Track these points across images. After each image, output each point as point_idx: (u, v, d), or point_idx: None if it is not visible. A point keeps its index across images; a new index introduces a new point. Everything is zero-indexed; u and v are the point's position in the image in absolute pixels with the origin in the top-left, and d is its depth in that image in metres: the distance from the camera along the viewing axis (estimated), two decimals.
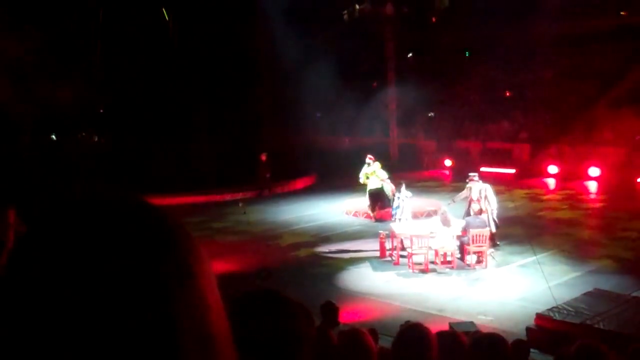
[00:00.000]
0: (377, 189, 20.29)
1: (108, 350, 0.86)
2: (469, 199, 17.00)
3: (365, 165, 20.63)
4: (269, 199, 24.80)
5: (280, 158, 28.92)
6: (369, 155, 20.78)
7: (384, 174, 20.39)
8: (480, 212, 16.25)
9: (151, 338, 0.88)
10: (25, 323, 0.87)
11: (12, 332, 0.87)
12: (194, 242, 0.98)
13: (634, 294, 12.76)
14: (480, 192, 16.80)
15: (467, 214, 16.63)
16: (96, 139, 28.42)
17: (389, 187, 19.92)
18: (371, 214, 20.72)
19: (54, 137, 28.52)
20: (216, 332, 0.96)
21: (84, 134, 28.37)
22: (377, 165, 20.56)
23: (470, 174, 17.61)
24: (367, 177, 20.42)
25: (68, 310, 0.86)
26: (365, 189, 20.66)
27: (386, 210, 19.86)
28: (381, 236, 16.78)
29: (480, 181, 17.18)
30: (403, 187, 17.99)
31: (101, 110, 27.42)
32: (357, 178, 21.04)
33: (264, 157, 25.72)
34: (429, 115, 35.73)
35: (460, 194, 17.53)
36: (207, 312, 0.95)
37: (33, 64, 25.17)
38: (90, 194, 0.98)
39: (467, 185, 17.30)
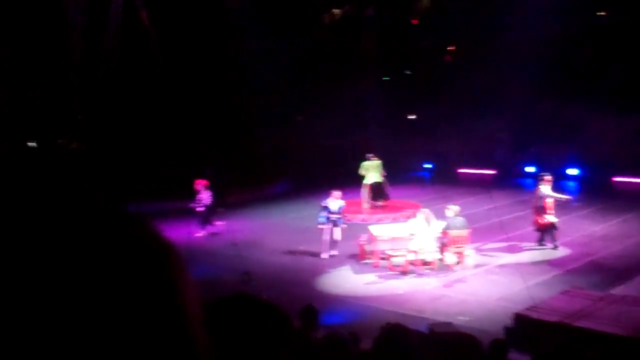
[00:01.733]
0: (377, 182, 22.17)
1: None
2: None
3: (365, 161, 22.34)
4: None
5: (260, 161, 28.91)
6: (369, 154, 22.53)
7: (381, 170, 22.31)
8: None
9: (132, 351, 0.90)
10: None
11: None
12: (178, 256, 1.00)
13: (610, 292, 12.93)
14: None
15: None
16: (75, 145, 28.22)
17: (387, 182, 22.53)
18: (365, 205, 22.22)
19: (32, 143, 28.29)
20: (198, 346, 0.99)
21: (62, 140, 28.15)
22: (378, 162, 22.28)
23: (541, 173, 17.68)
24: (365, 172, 22.19)
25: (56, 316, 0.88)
26: (363, 181, 22.38)
27: (382, 202, 22.35)
28: (360, 239, 16.86)
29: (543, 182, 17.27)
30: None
31: (80, 117, 27.24)
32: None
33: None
34: (410, 117, 35.83)
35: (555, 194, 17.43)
36: (189, 325, 0.97)
37: (10, 70, 24.97)
38: (80, 203, 0.99)
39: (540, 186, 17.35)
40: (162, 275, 0.95)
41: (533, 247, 17.23)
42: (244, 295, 2.13)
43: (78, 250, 0.91)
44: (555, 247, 16.88)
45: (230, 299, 2.09)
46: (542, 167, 29.37)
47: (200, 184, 19.90)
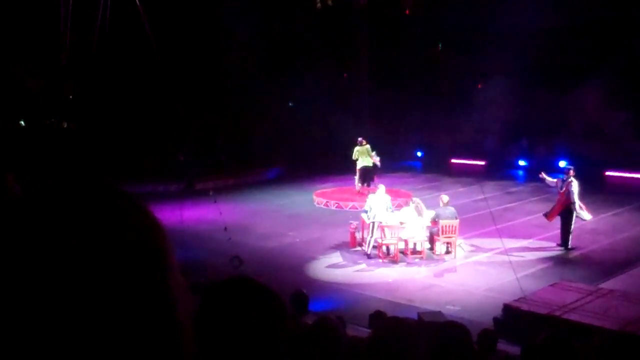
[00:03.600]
0: (367, 166, 22.33)
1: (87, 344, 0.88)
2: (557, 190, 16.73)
3: (357, 146, 22.54)
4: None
5: (251, 147, 28.88)
6: (359, 138, 22.72)
7: (371, 154, 22.42)
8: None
9: (123, 332, 0.91)
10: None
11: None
12: (167, 236, 1.00)
13: (599, 285, 12.97)
14: (563, 184, 16.54)
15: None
16: (65, 126, 28.08)
17: (378, 165, 22.50)
18: (357, 187, 22.73)
19: (22, 123, 28.14)
20: (183, 324, 0.99)
21: (53, 120, 28.01)
22: (368, 146, 22.45)
23: (566, 167, 17.36)
24: (358, 156, 22.48)
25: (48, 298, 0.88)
26: (356, 166, 22.64)
27: (372, 186, 21.88)
28: (351, 226, 16.84)
29: (571, 176, 16.59)
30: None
31: (70, 97, 27.06)
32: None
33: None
34: (402, 106, 35.79)
35: (551, 179, 17.03)
36: (176, 303, 0.98)
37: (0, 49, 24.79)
38: (76, 184, 0.99)
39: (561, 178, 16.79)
40: (154, 256, 0.96)
41: (522, 239, 17.28)
42: (243, 278, 2.10)
43: (75, 228, 0.92)
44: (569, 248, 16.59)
45: (229, 282, 2.07)
46: (533, 160, 29.54)
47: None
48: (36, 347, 0.87)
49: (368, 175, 22.53)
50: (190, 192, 21.84)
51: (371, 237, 15.89)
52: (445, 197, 16.45)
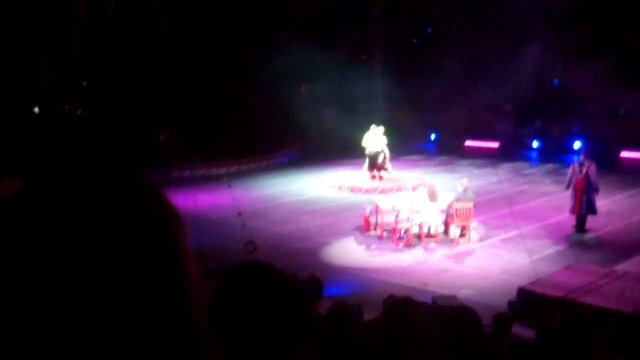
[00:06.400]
0: (376, 152, 21.93)
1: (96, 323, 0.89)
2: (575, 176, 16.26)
3: (370, 131, 22.14)
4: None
5: (264, 131, 28.88)
6: (373, 124, 22.31)
7: (384, 140, 22.05)
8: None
9: (140, 311, 0.92)
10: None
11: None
12: (182, 219, 1.02)
13: (613, 268, 12.93)
14: (582, 168, 16.13)
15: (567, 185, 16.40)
16: (79, 112, 28.18)
17: (387, 153, 22.15)
18: (368, 173, 22.46)
19: (36, 110, 28.26)
20: (197, 309, 1.00)
21: (67, 107, 28.11)
22: (381, 130, 22.03)
23: (583, 150, 17.17)
24: (368, 141, 22.14)
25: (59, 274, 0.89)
26: (366, 151, 22.31)
27: (380, 171, 22.18)
28: (365, 211, 16.83)
29: (586, 159, 16.21)
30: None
31: (84, 83, 27.14)
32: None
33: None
34: (415, 88, 35.64)
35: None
36: (189, 285, 0.98)
37: (14, 36, 24.85)
38: (92, 166, 1.00)
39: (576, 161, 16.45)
40: (169, 239, 0.97)
41: (536, 222, 17.21)
42: (258, 264, 2.11)
43: (91, 208, 0.92)
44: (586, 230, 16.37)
45: (245, 267, 2.08)
46: (547, 141, 29.41)
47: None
48: (47, 332, 0.88)
49: (374, 161, 22.14)
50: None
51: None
52: (465, 181, 16.23)
